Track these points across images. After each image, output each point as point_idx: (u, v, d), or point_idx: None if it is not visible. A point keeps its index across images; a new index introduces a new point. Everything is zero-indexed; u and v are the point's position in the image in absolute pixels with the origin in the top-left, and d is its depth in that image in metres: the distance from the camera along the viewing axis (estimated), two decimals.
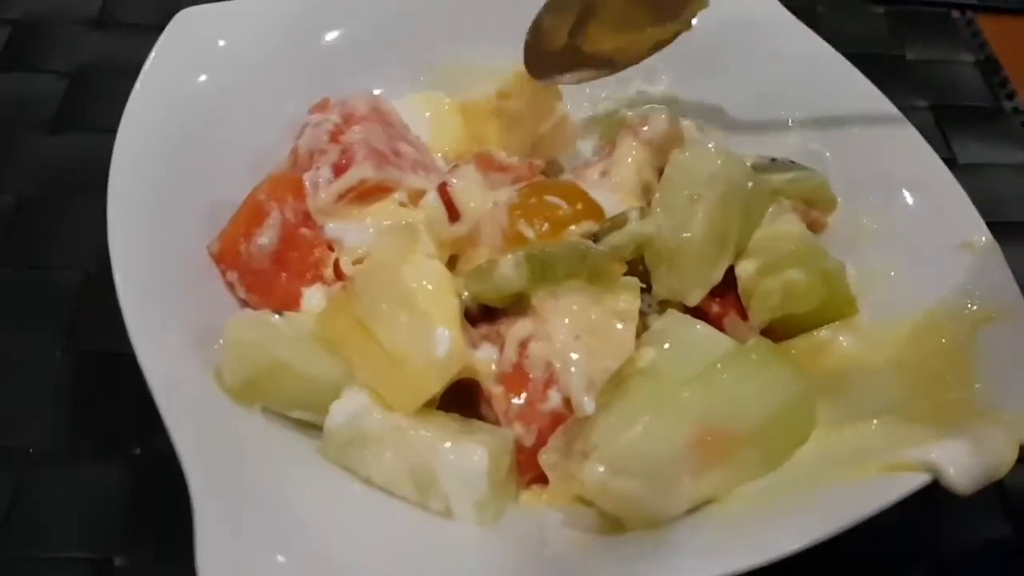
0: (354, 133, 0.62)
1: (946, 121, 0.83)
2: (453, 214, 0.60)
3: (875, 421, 0.52)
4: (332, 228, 0.60)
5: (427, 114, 0.69)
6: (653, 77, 0.73)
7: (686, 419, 0.49)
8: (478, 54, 0.71)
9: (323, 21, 0.72)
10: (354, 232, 0.60)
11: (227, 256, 0.59)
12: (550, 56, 0.65)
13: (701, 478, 0.49)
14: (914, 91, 0.85)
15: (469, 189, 0.60)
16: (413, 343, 0.52)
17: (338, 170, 0.60)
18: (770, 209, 0.58)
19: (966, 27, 0.94)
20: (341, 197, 0.60)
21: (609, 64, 0.67)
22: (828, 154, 0.66)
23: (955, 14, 0.95)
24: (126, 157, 0.58)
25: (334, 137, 0.62)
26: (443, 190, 0.60)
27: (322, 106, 0.66)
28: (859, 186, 0.64)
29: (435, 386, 0.53)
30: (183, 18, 0.67)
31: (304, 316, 0.57)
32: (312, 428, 0.54)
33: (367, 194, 0.61)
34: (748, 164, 0.58)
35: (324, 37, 0.71)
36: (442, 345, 0.53)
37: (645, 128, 0.62)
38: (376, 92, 0.68)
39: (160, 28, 0.66)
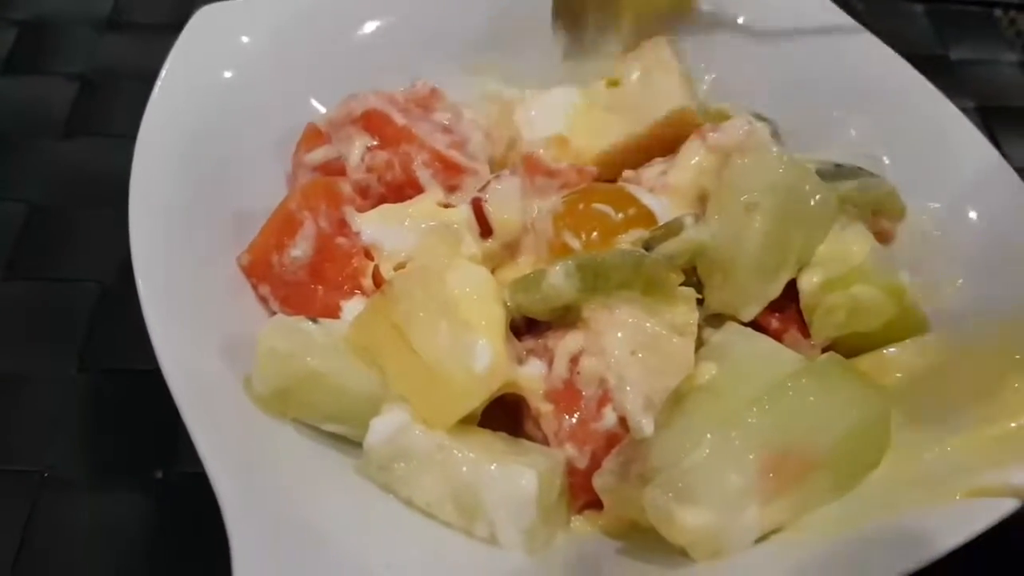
0: None
1: (994, 122, 0.81)
2: (485, 230, 0.58)
3: (949, 442, 0.49)
4: (370, 233, 0.57)
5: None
6: (695, 75, 0.70)
7: (755, 441, 0.47)
8: (515, 49, 0.69)
9: (354, 14, 0.69)
10: (393, 235, 0.57)
11: (258, 269, 0.56)
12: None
13: (770, 505, 0.47)
14: (960, 92, 0.82)
15: (505, 203, 0.58)
16: (452, 355, 0.50)
17: None
18: (839, 219, 0.54)
19: (1009, 26, 0.92)
20: None
21: None
22: (885, 158, 0.63)
23: (997, 13, 0.93)
24: (148, 160, 0.56)
25: None
26: (476, 204, 0.58)
27: None
28: (920, 191, 0.60)
29: (473, 402, 0.50)
30: (204, 14, 0.64)
31: (341, 323, 0.54)
32: (346, 442, 0.52)
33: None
34: (813, 170, 0.55)
35: (356, 31, 0.69)
36: (483, 358, 0.50)
37: (714, 134, 0.58)
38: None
39: (175, 28, 0.64)
